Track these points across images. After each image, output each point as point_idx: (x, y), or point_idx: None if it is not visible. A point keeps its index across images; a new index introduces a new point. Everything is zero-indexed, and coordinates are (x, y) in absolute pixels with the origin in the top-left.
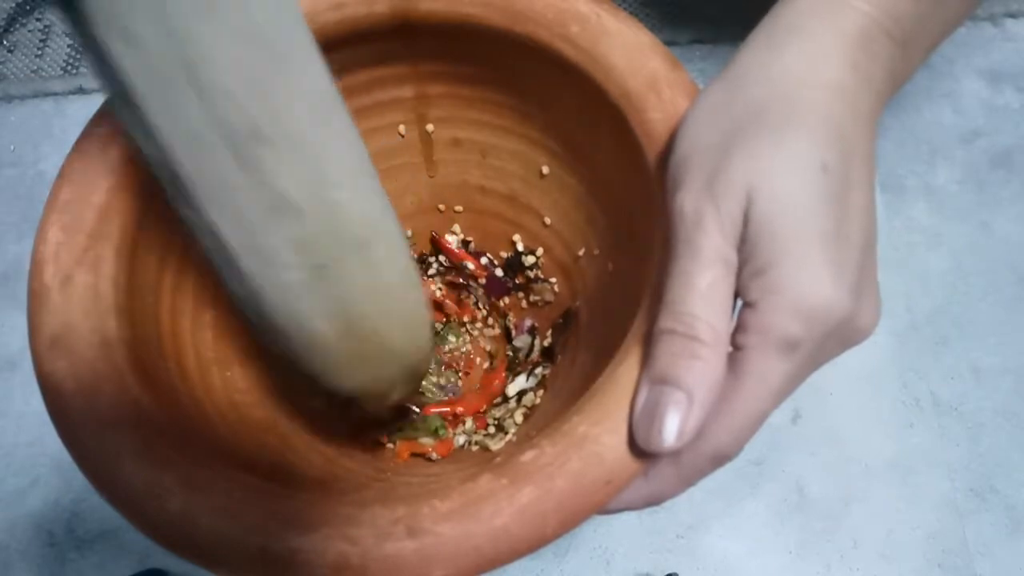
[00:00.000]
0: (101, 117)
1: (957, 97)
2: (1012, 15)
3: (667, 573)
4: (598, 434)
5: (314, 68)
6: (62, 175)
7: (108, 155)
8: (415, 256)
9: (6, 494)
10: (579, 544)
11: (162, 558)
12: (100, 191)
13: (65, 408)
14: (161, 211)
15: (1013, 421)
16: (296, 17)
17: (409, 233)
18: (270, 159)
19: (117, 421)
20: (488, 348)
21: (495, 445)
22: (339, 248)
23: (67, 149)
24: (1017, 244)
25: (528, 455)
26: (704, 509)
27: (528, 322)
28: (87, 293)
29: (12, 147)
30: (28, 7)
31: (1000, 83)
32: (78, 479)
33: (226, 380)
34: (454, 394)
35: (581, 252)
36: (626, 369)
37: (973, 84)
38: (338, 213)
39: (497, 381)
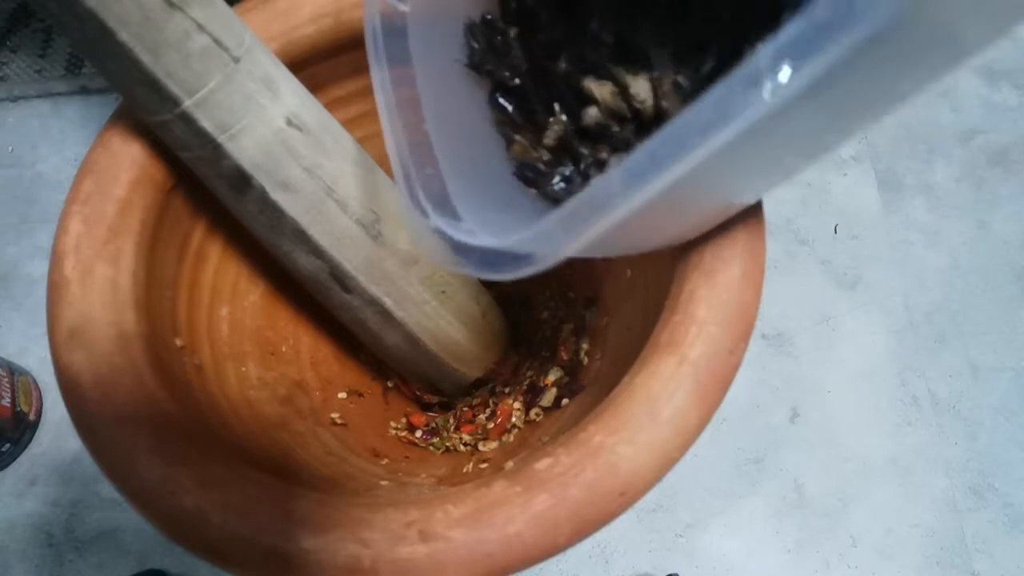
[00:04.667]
0: (124, 112)
1: (955, 95)
2: None
3: (668, 574)
4: (613, 444)
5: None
6: (85, 167)
7: (130, 149)
8: None
9: (5, 495)
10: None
11: (160, 559)
12: (122, 184)
13: (82, 400)
14: (181, 206)
15: (1011, 419)
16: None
17: None
18: (387, 230)
19: (133, 415)
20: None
21: (485, 446)
22: (444, 273)
23: (65, 150)
24: (1015, 242)
25: (543, 463)
26: (703, 508)
27: None
28: (107, 286)
29: (10, 148)
30: (31, 7)
31: (998, 81)
32: (76, 480)
33: (241, 376)
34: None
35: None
36: (643, 379)
37: (971, 82)
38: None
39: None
